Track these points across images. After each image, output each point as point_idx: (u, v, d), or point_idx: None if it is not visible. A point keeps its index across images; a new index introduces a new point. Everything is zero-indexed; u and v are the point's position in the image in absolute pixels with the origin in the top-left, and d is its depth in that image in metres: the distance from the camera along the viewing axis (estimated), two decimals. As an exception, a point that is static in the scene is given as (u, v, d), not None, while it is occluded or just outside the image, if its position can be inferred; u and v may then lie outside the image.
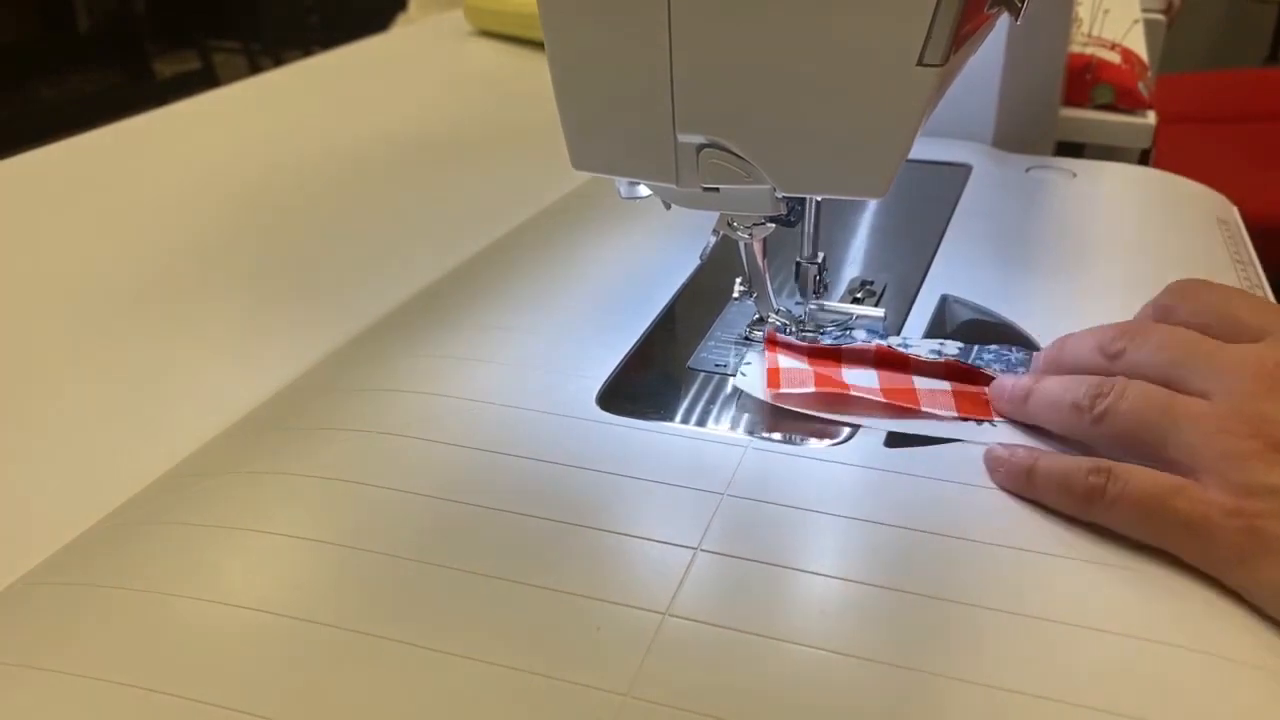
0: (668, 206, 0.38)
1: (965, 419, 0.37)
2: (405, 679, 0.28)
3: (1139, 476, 0.31)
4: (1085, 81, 0.82)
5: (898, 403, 0.37)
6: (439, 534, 0.33)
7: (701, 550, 0.31)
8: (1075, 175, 0.62)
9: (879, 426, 0.37)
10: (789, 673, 0.27)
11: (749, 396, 0.39)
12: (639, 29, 0.32)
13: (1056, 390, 0.35)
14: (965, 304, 0.47)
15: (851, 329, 0.43)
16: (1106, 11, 0.93)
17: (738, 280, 0.43)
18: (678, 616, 0.29)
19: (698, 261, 0.47)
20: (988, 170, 0.62)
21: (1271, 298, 0.45)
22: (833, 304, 0.45)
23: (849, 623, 0.29)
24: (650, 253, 0.52)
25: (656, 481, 0.35)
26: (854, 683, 0.27)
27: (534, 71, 0.97)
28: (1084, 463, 0.32)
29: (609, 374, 0.41)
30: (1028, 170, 0.63)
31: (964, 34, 0.32)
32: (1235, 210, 0.59)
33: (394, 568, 0.31)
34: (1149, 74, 0.90)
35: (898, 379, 0.39)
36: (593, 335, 0.44)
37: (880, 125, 0.32)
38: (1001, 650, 0.28)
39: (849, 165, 0.33)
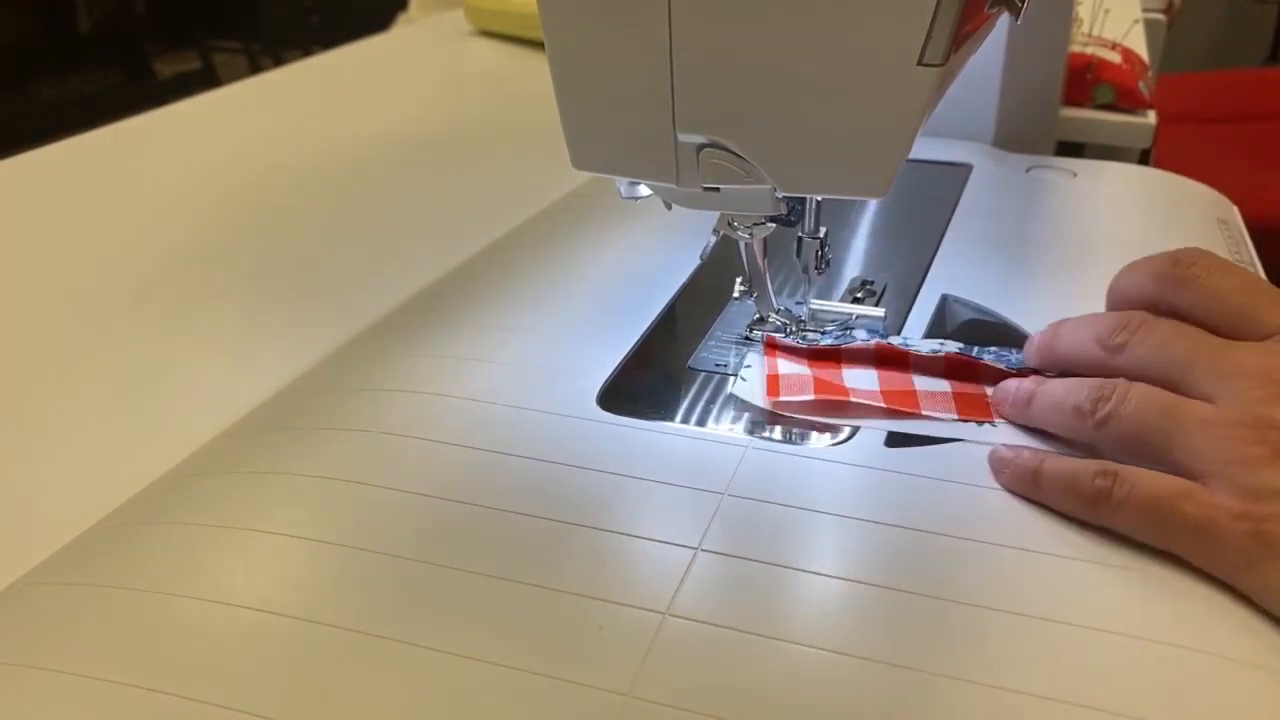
0: (668, 206, 0.38)
1: (965, 420, 0.37)
2: (406, 679, 0.28)
3: (1146, 480, 0.31)
4: (1086, 81, 0.82)
5: (898, 407, 0.37)
6: (439, 534, 0.33)
7: (702, 550, 0.31)
8: (1076, 175, 0.62)
9: (880, 427, 0.37)
10: (790, 673, 0.27)
11: (749, 396, 0.39)
12: (639, 29, 0.32)
13: (1059, 393, 0.35)
14: (965, 304, 0.47)
15: (852, 329, 0.43)
16: (1107, 11, 0.93)
17: (738, 280, 0.43)
18: (678, 616, 0.29)
19: (698, 261, 0.47)
20: (988, 170, 0.62)
21: None
22: (833, 303, 0.45)
23: (850, 622, 0.29)
24: (650, 252, 0.52)
25: (657, 481, 0.35)
26: (855, 683, 0.27)
27: (534, 71, 0.97)
28: (1090, 465, 0.32)
29: (609, 374, 0.41)
30: (1028, 170, 0.63)
31: (964, 33, 0.32)
32: (1235, 210, 0.59)
33: (394, 568, 0.31)
34: (1149, 74, 0.90)
35: (897, 379, 0.39)
36: (593, 335, 0.44)
37: (881, 125, 0.32)
38: (1004, 650, 0.28)
39: (849, 165, 0.33)
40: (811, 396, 0.38)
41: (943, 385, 0.39)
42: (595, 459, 0.36)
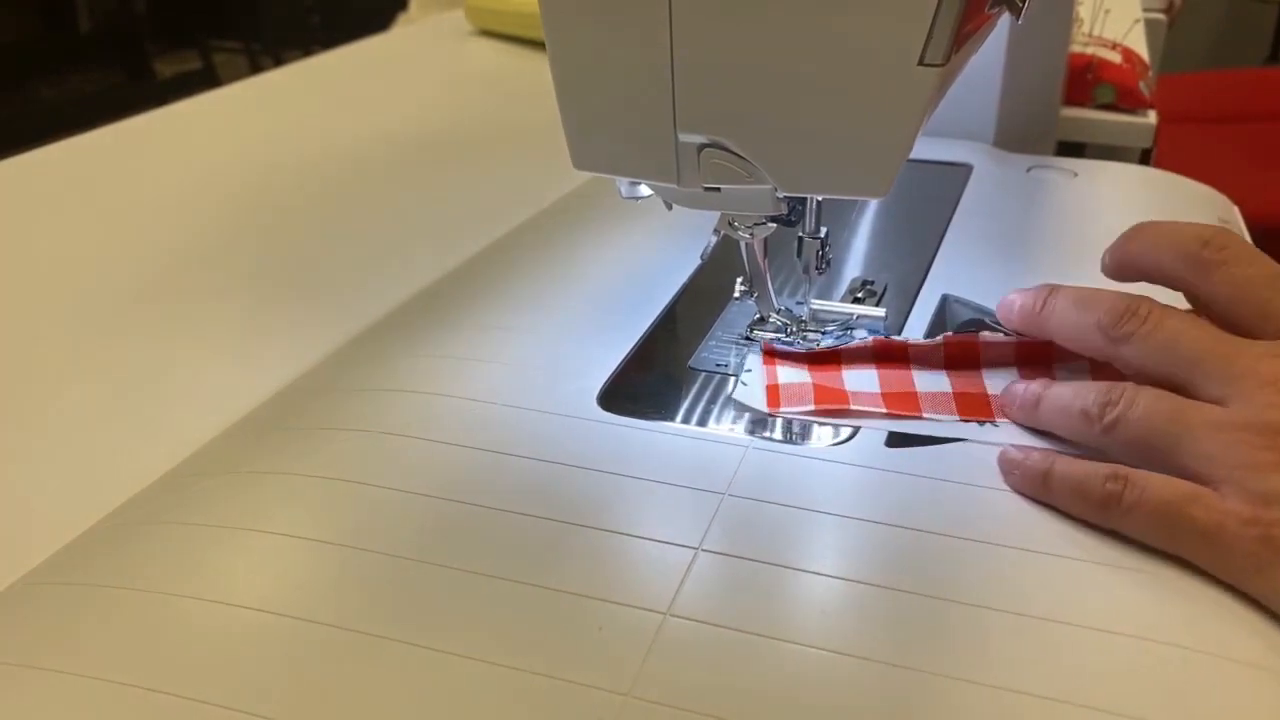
0: (669, 206, 0.38)
1: (967, 420, 0.37)
2: (406, 679, 0.28)
3: (1156, 484, 0.31)
4: (1086, 81, 0.82)
5: (899, 411, 0.37)
6: (440, 534, 0.33)
7: (703, 550, 0.31)
8: (1076, 175, 0.62)
9: (880, 427, 0.37)
10: (790, 673, 0.27)
11: (750, 396, 0.39)
12: (640, 29, 0.32)
13: (1066, 397, 0.35)
14: (966, 304, 0.47)
15: (852, 329, 0.42)
16: (1107, 11, 0.93)
17: (738, 280, 0.43)
18: (679, 616, 0.29)
19: (698, 261, 0.47)
20: (989, 170, 0.62)
21: None
22: (834, 303, 0.45)
23: (850, 622, 0.29)
24: (651, 252, 0.52)
25: (657, 481, 0.35)
26: (856, 683, 0.27)
27: (535, 71, 0.97)
28: (1101, 469, 0.32)
29: (610, 374, 0.41)
30: (1029, 170, 0.63)
31: (965, 33, 0.32)
32: (1236, 210, 0.59)
33: (395, 568, 0.31)
34: (1150, 74, 0.90)
35: (898, 379, 0.39)
36: (593, 335, 0.44)
37: (881, 125, 0.32)
38: (1005, 650, 0.28)
39: (850, 165, 0.33)
40: (812, 406, 0.38)
41: (944, 385, 0.39)
42: (596, 459, 0.36)
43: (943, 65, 0.30)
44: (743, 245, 0.40)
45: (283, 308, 0.53)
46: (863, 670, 0.27)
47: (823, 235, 0.42)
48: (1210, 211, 0.57)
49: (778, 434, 0.38)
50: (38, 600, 0.32)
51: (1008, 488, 0.34)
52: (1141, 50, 0.91)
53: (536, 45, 1.04)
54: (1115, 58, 0.84)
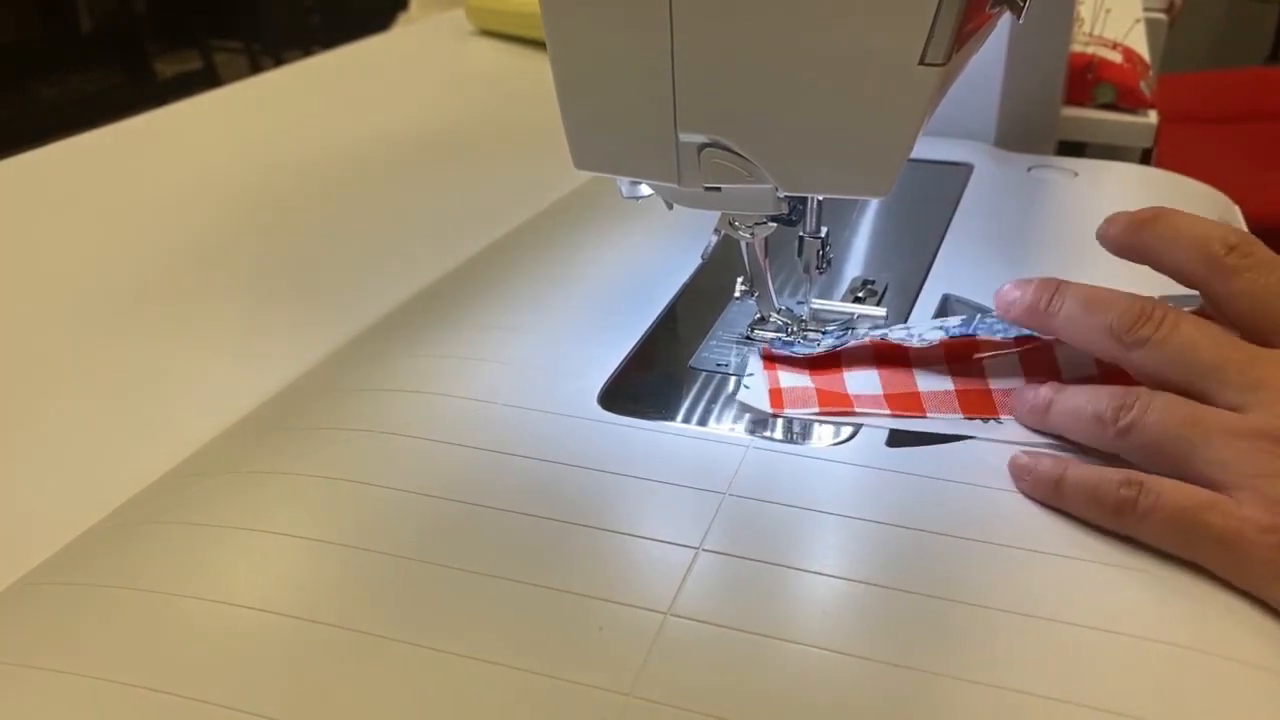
0: (669, 206, 0.38)
1: (971, 418, 0.37)
2: (407, 679, 0.27)
3: (1171, 490, 0.31)
4: (1087, 81, 0.82)
5: (902, 412, 0.37)
6: (440, 534, 0.33)
7: (703, 550, 0.31)
8: (1077, 174, 0.62)
9: (883, 426, 0.37)
10: (792, 673, 0.27)
11: (751, 396, 0.39)
12: (641, 29, 0.32)
13: (1078, 401, 0.34)
14: (967, 303, 0.47)
15: (853, 328, 0.42)
16: (1108, 11, 0.93)
17: (739, 279, 0.43)
18: (680, 616, 0.29)
19: (699, 261, 0.47)
20: (989, 169, 0.62)
21: None
22: (834, 303, 0.45)
23: (852, 622, 0.29)
24: (651, 252, 0.52)
25: (658, 481, 0.35)
26: (857, 683, 0.27)
27: (535, 71, 0.97)
28: (1115, 474, 0.31)
29: (610, 373, 0.41)
30: (1029, 169, 0.63)
31: (966, 33, 0.32)
32: (1237, 209, 0.59)
33: (395, 567, 0.31)
34: (1150, 73, 0.90)
35: (899, 380, 0.39)
36: (594, 335, 0.44)
37: (882, 124, 0.32)
38: (1006, 650, 0.28)
39: (851, 164, 0.33)
40: (816, 409, 0.38)
41: (946, 383, 0.39)
42: (596, 459, 0.36)
43: (943, 65, 0.30)
44: (743, 245, 0.40)
45: (283, 308, 0.53)
46: (864, 670, 0.27)
47: (823, 235, 0.42)
48: (1211, 211, 0.57)
49: (779, 434, 0.38)
50: (38, 600, 0.32)
51: (1008, 488, 0.34)
52: (1142, 50, 0.91)
53: (537, 45, 1.04)
54: (1116, 57, 0.84)
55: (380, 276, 0.55)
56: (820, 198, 0.41)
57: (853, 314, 0.44)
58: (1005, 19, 0.36)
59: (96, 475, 0.39)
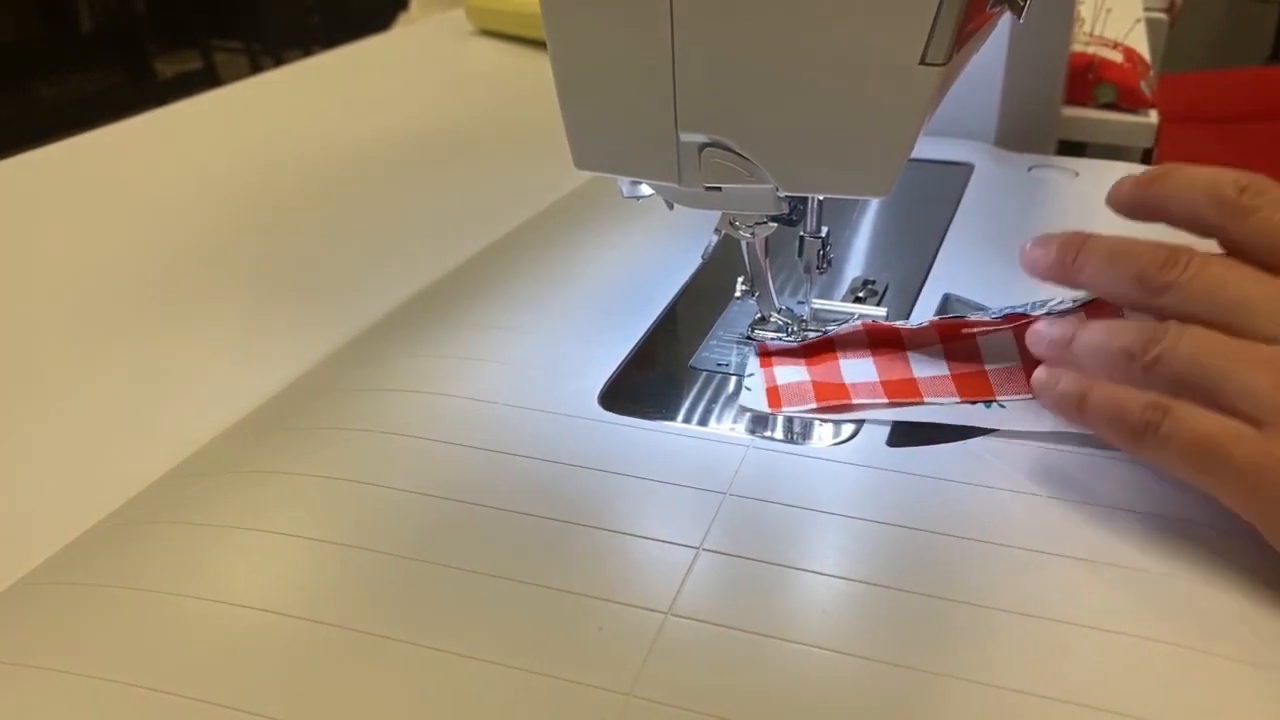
0: (670, 206, 0.38)
1: (973, 402, 0.37)
2: (407, 679, 0.27)
3: (1197, 417, 0.30)
4: (1087, 80, 0.82)
5: (900, 399, 0.37)
6: (441, 533, 0.33)
7: (704, 550, 0.31)
8: (1078, 174, 0.62)
9: (883, 419, 0.37)
10: (792, 672, 0.27)
11: (751, 396, 0.39)
12: (641, 29, 0.32)
13: (1103, 334, 0.33)
14: (967, 303, 0.47)
15: None
16: (1108, 10, 0.93)
17: (739, 279, 0.43)
18: (680, 616, 0.29)
19: (699, 261, 0.47)
20: (990, 169, 0.62)
21: None
22: (835, 303, 0.45)
23: (852, 622, 0.29)
24: (651, 252, 0.52)
25: (658, 481, 0.35)
26: (857, 682, 0.27)
27: (536, 71, 0.97)
28: (1141, 396, 0.31)
29: (611, 373, 0.41)
30: (1030, 169, 0.63)
31: (966, 33, 0.32)
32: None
33: (396, 567, 0.31)
34: (1151, 73, 0.90)
35: (895, 367, 0.39)
36: (594, 335, 0.44)
37: (883, 124, 0.32)
38: (1006, 650, 0.28)
39: (852, 164, 0.33)
40: (814, 405, 0.38)
41: (941, 368, 0.39)
42: (597, 459, 0.36)
43: (944, 64, 0.30)
44: (744, 245, 0.40)
45: (283, 308, 0.53)
46: (864, 670, 0.27)
47: (824, 235, 0.42)
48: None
49: (779, 433, 0.38)
50: (38, 600, 0.32)
51: (1008, 488, 0.34)
52: (1143, 50, 0.91)
53: (537, 45, 1.04)
54: (1116, 57, 0.84)
55: (380, 276, 0.55)
56: (821, 197, 0.41)
57: (853, 314, 0.44)
58: (1006, 19, 0.36)
59: (96, 475, 0.39)
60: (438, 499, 0.34)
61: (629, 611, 0.29)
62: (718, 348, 0.44)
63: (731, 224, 0.39)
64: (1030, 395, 0.37)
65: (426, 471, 0.36)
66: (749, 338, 0.44)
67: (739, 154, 0.34)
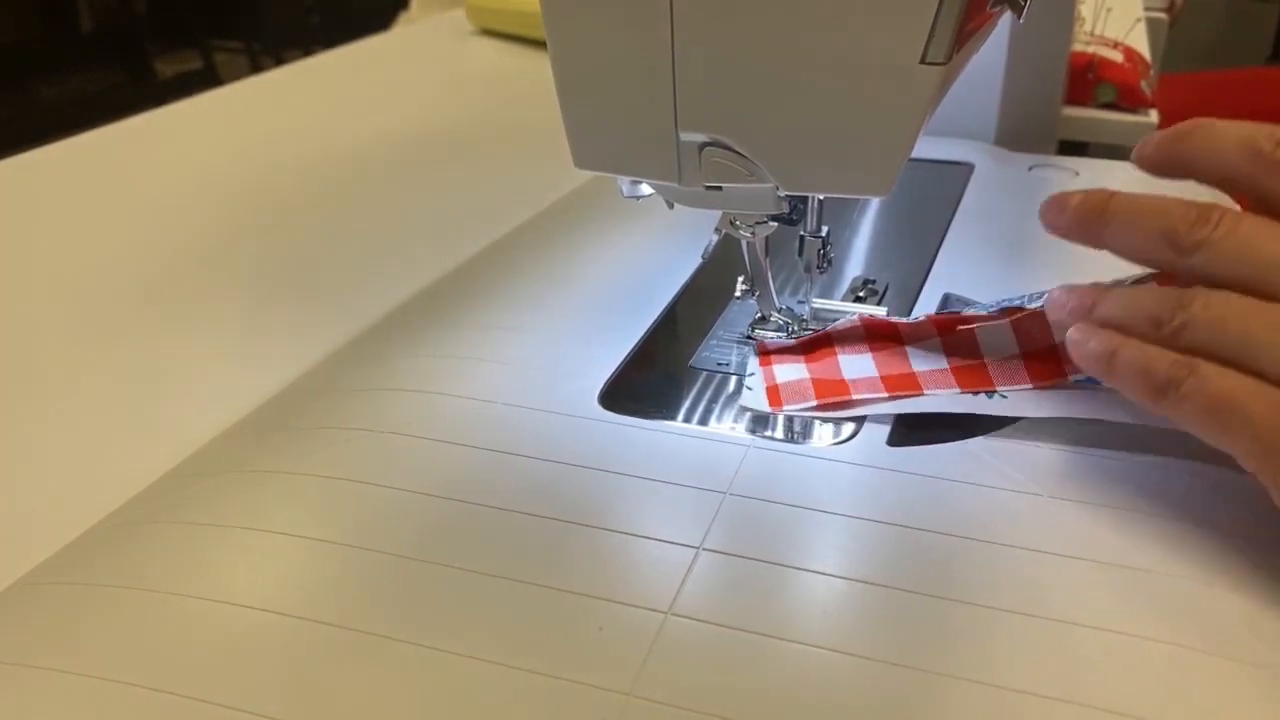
0: (670, 205, 0.38)
1: (975, 392, 0.37)
2: (407, 678, 0.27)
3: (1220, 376, 0.29)
4: (1088, 80, 0.82)
5: (899, 392, 0.37)
6: (441, 533, 0.33)
7: (704, 549, 0.31)
8: (1078, 174, 0.62)
9: (884, 412, 0.37)
10: (792, 672, 0.27)
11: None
12: (641, 28, 0.32)
13: (1128, 301, 0.32)
14: (968, 303, 0.46)
15: None
16: (1109, 10, 0.93)
17: (740, 279, 0.43)
18: (680, 616, 0.29)
19: (699, 260, 0.47)
20: (990, 169, 0.62)
21: None
22: (835, 302, 0.45)
23: (852, 622, 0.29)
24: (651, 252, 0.52)
25: (659, 480, 0.35)
26: (858, 682, 0.27)
27: (536, 70, 0.97)
28: (1171, 354, 0.30)
29: (611, 373, 0.41)
30: (1030, 169, 0.63)
31: (967, 32, 0.32)
32: (1238, 209, 0.59)
33: (396, 567, 0.31)
34: (1151, 73, 0.90)
35: (895, 361, 0.39)
36: (594, 334, 0.44)
37: (883, 124, 0.32)
38: (1007, 650, 0.28)
39: (852, 164, 0.33)
40: (814, 402, 0.38)
41: (940, 362, 0.39)
42: (597, 458, 0.36)
43: (944, 64, 0.30)
44: (744, 244, 0.40)
45: (283, 308, 0.53)
46: (864, 670, 0.27)
47: (824, 234, 0.42)
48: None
49: (779, 433, 0.38)
50: (38, 600, 0.32)
51: (1009, 487, 0.34)
52: (1143, 49, 0.91)
53: (538, 44, 1.04)
54: (1117, 57, 0.84)
55: (380, 276, 0.55)
56: (821, 197, 0.41)
57: (853, 314, 0.44)
58: (1006, 18, 0.36)
59: (96, 475, 0.39)
60: (438, 499, 0.34)
61: (629, 611, 0.29)
62: (718, 347, 0.44)
63: (732, 223, 0.39)
64: (1030, 386, 0.37)
65: (427, 471, 0.36)
66: (749, 337, 0.44)
67: (739, 153, 0.34)
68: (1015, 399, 0.36)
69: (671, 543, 0.32)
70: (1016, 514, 0.33)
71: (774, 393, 0.39)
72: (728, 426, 0.38)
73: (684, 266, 0.50)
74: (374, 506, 0.34)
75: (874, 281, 0.49)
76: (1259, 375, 0.29)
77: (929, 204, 0.57)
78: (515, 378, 0.41)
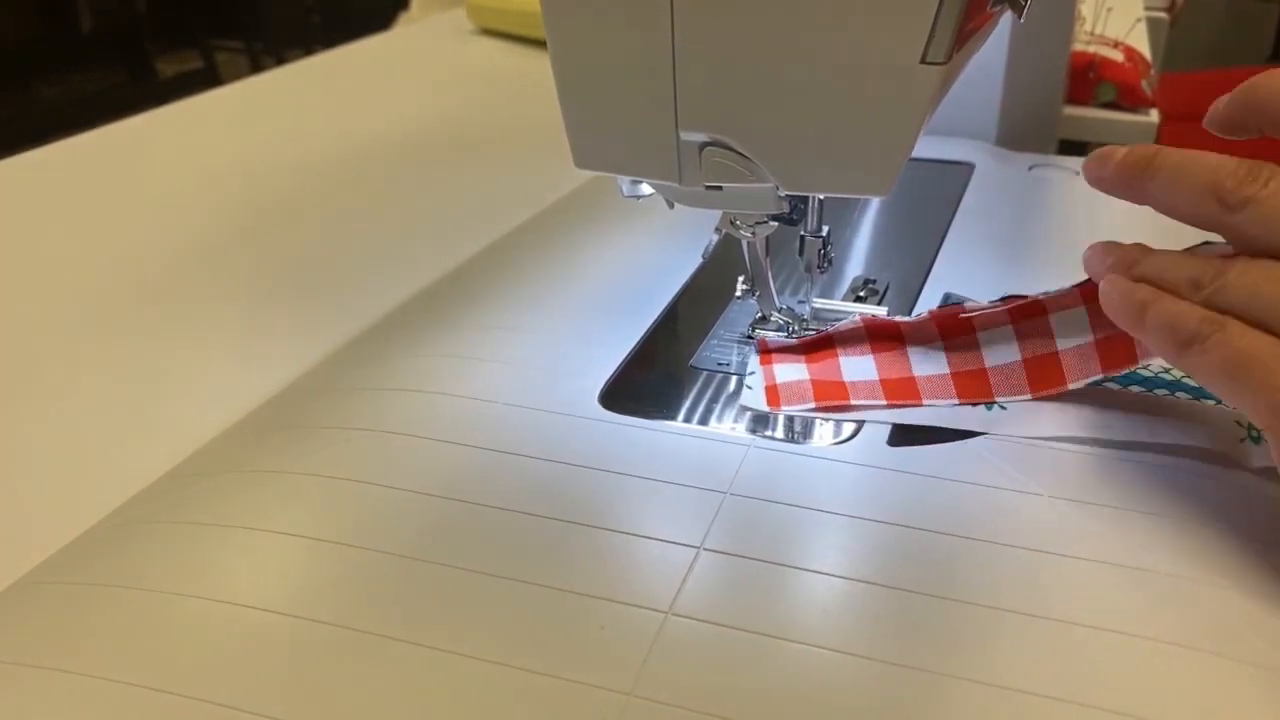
0: (670, 205, 0.38)
1: (975, 403, 0.37)
2: (408, 678, 0.27)
3: (1249, 334, 0.28)
4: (1088, 79, 0.82)
5: (899, 401, 0.37)
6: (441, 533, 0.33)
7: (704, 549, 0.31)
8: (1078, 173, 0.61)
9: (883, 420, 0.37)
10: (792, 672, 0.27)
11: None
12: (641, 28, 0.32)
13: (1169, 262, 0.31)
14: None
15: None
16: (1109, 10, 0.93)
17: (740, 279, 0.43)
18: (681, 615, 0.29)
19: (700, 260, 0.47)
20: (990, 168, 0.62)
21: None
22: (835, 302, 0.45)
23: (853, 621, 0.29)
24: (652, 251, 0.52)
25: (659, 480, 0.35)
26: (858, 682, 0.27)
27: (536, 70, 0.97)
28: (1201, 310, 0.30)
29: (611, 373, 0.41)
30: (1030, 168, 0.63)
31: (967, 32, 0.32)
32: None
33: (396, 567, 0.31)
34: (1152, 72, 0.90)
35: (895, 364, 0.39)
36: (595, 334, 0.44)
37: (884, 123, 0.32)
38: (1008, 650, 0.28)
39: (852, 163, 0.33)
40: (812, 404, 0.38)
41: (941, 365, 0.38)
42: (597, 458, 0.36)
43: (945, 64, 0.30)
44: (744, 244, 0.40)
45: (283, 308, 0.53)
46: (864, 669, 0.27)
47: (824, 234, 0.42)
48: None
49: (779, 433, 0.38)
50: (38, 600, 0.32)
51: (1009, 487, 0.34)
52: (1143, 49, 0.91)
53: (538, 44, 1.04)
54: (1117, 56, 0.84)
55: (380, 276, 0.55)
56: (821, 197, 0.41)
57: (854, 314, 0.44)
58: (1006, 18, 0.36)
59: (96, 475, 0.39)
60: (438, 499, 0.34)
61: (630, 611, 0.29)
62: (718, 347, 0.44)
63: (732, 223, 0.39)
64: (1029, 396, 0.37)
65: (427, 471, 0.35)
66: (749, 337, 0.44)
67: (739, 153, 0.34)
68: (1014, 412, 0.36)
69: (672, 542, 0.32)
70: (1018, 514, 0.33)
71: (773, 392, 0.39)
72: (728, 426, 0.38)
73: (684, 266, 0.50)
74: (374, 506, 0.34)
75: (874, 281, 0.49)
76: None
77: (929, 204, 0.57)
78: (515, 377, 0.41)
